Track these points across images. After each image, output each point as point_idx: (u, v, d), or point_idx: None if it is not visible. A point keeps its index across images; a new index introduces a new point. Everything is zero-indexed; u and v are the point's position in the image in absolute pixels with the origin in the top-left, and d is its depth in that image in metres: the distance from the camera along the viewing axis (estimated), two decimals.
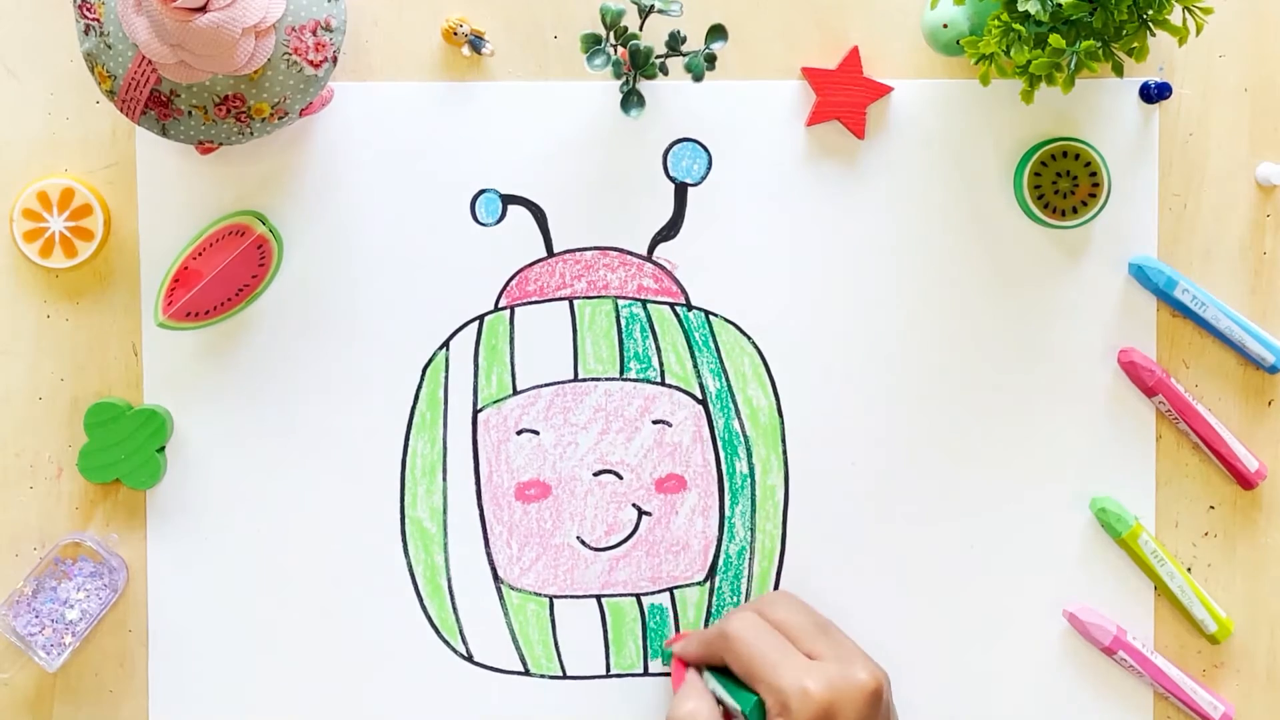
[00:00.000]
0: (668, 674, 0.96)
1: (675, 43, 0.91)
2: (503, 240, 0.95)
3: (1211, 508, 0.97)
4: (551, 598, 0.96)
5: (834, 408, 0.95)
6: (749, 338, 0.95)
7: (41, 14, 0.94)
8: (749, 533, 0.95)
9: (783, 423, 0.95)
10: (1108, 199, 0.94)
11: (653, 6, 0.90)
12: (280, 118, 0.87)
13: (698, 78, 0.91)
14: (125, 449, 0.93)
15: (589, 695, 0.96)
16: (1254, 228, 0.96)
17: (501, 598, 0.95)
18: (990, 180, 0.95)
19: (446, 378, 0.95)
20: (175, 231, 0.94)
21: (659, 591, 0.96)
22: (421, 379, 0.95)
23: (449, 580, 0.95)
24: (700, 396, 0.95)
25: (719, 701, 0.88)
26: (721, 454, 0.95)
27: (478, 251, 0.95)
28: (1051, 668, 0.96)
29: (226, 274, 0.92)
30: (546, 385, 0.95)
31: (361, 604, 0.95)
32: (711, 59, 0.91)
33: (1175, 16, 0.87)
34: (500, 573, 0.95)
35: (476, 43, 0.94)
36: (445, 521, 0.95)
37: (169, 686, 0.95)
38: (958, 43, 0.90)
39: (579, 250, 0.95)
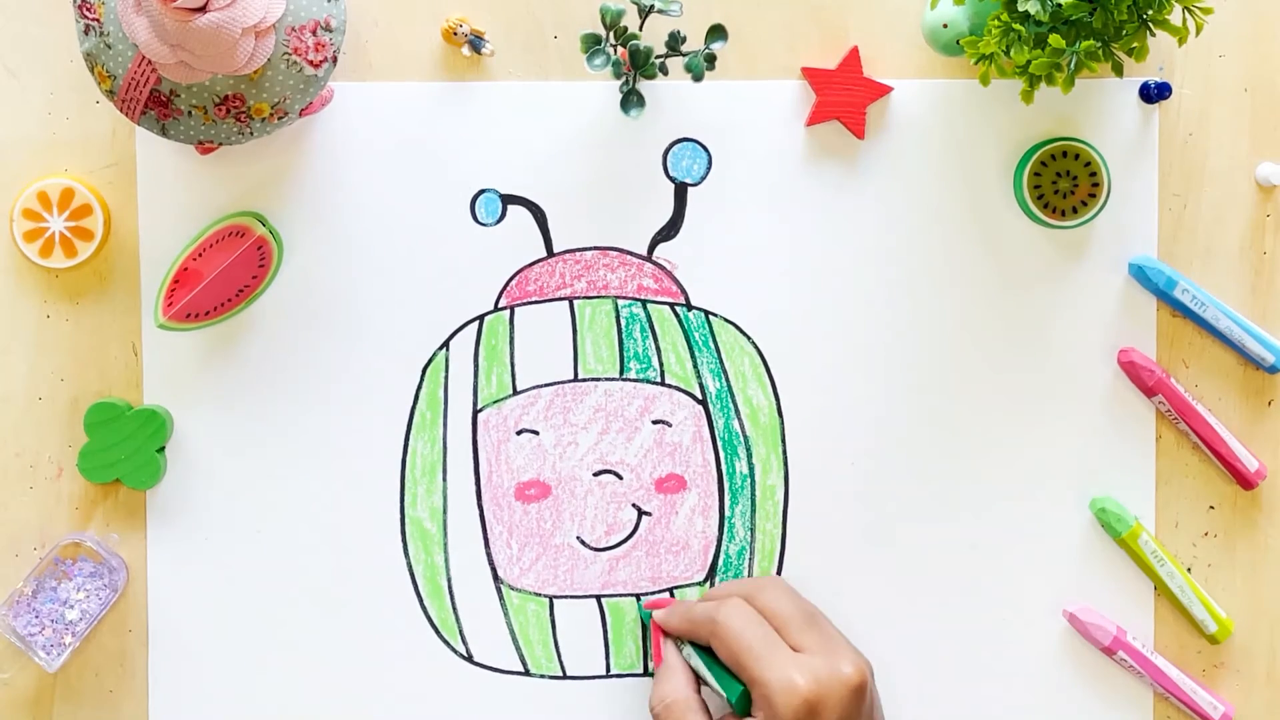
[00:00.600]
0: None
1: (675, 43, 0.91)
2: (503, 240, 0.95)
3: (1211, 508, 0.97)
4: (551, 598, 0.95)
5: (834, 408, 0.95)
6: (749, 338, 0.95)
7: (41, 14, 0.94)
8: (749, 533, 0.95)
9: (782, 422, 0.95)
10: (1107, 199, 0.94)
11: (653, 6, 0.90)
12: (280, 118, 0.87)
13: (698, 78, 0.91)
14: (125, 449, 0.93)
15: (589, 695, 0.96)
16: (1254, 228, 0.96)
17: (501, 598, 0.95)
18: (990, 180, 0.95)
19: (446, 378, 0.95)
20: (175, 232, 0.94)
21: (659, 591, 0.96)
22: (421, 379, 0.95)
23: (449, 580, 0.95)
24: (700, 396, 0.95)
25: (698, 677, 0.89)
26: (721, 454, 0.95)
27: (478, 251, 0.95)
28: (1051, 668, 0.96)
29: (226, 275, 0.92)
30: (546, 385, 0.95)
31: (361, 604, 0.95)
32: (711, 59, 0.91)
33: (1175, 16, 0.87)
34: (500, 573, 0.95)
35: (476, 43, 0.94)
36: (445, 521, 0.95)
37: (169, 686, 0.95)
38: (958, 43, 0.90)
39: (579, 250, 0.95)
